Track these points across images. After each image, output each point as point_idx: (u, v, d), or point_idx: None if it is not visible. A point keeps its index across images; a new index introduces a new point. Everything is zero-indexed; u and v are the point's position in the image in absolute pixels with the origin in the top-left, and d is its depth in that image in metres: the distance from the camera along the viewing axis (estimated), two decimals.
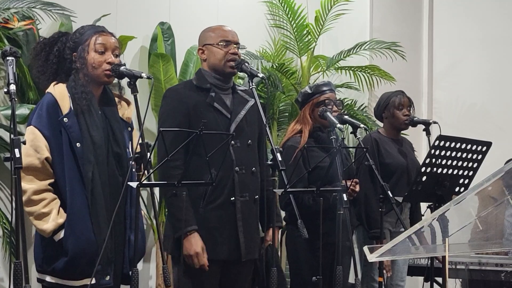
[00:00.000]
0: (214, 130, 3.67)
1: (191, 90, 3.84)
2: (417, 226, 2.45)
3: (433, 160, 4.12)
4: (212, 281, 3.77)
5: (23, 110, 4.51)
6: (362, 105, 6.53)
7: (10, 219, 4.70)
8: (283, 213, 4.39)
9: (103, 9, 5.31)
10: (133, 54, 5.63)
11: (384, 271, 4.59)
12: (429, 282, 5.17)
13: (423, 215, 4.95)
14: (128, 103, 3.55)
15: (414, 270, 5.36)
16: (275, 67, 6.08)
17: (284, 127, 6.28)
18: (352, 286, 5.73)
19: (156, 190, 4.97)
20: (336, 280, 3.88)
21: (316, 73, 6.45)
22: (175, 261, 3.78)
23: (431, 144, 4.70)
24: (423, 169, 4.15)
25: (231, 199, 3.77)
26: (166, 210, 3.94)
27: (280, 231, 4.65)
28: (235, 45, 3.88)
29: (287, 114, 6.38)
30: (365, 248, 2.20)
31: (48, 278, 3.25)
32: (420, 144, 6.37)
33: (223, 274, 3.82)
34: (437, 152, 4.11)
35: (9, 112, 4.50)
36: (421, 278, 5.67)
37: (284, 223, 4.44)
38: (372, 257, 2.12)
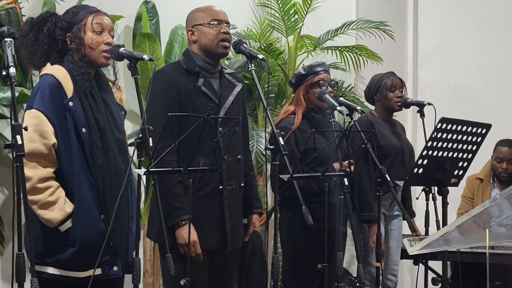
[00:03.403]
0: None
1: (181, 74, 3.73)
2: (463, 218, 2.37)
3: (435, 143, 4.06)
4: (202, 269, 3.69)
5: (9, 93, 4.32)
6: (349, 85, 6.44)
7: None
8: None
9: None
10: (117, 34, 5.46)
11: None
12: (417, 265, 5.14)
13: (417, 198, 4.88)
14: (118, 86, 3.42)
15: (404, 254, 5.31)
16: (262, 47, 5.94)
17: (270, 109, 6.16)
18: (346, 272, 5.70)
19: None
20: (337, 266, 3.80)
21: (302, 53, 6.33)
22: (164, 250, 3.67)
23: (424, 126, 4.66)
24: (424, 152, 4.08)
25: (219, 187, 3.70)
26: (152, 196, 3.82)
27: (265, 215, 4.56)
28: (226, 25, 3.77)
29: (273, 95, 6.26)
30: (405, 241, 2.11)
31: (50, 270, 3.11)
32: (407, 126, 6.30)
33: (212, 263, 3.74)
34: (439, 135, 4.05)
35: None
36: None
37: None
38: (412, 250, 2.04)
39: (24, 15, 4.80)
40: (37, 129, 3.06)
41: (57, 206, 3.06)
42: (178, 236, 3.59)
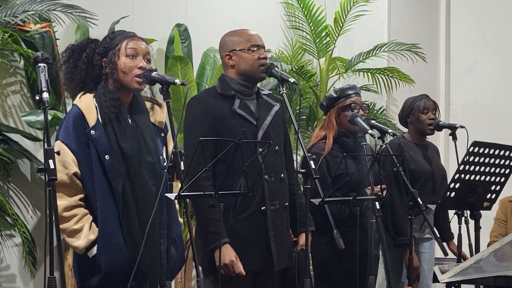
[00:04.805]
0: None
1: (216, 98, 3.73)
2: (497, 244, 2.34)
3: (467, 166, 4.02)
4: None
5: (42, 117, 4.36)
6: (381, 108, 6.42)
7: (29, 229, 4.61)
8: None
9: (120, 12, 5.21)
10: (153, 58, 5.51)
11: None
12: None
13: (450, 221, 4.84)
14: (161, 106, 3.43)
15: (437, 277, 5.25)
16: (294, 69, 5.95)
17: (301, 131, 6.16)
18: None
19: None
20: None
21: (334, 75, 6.33)
22: (207, 273, 3.69)
23: (457, 149, 4.62)
24: (456, 176, 4.04)
25: (262, 208, 3.68)
26: (195, 221, 3.83)
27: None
28: (263, 49, 3.78)
29: (304, 117, 6.26)
30: (436, 268, 2.09)
31: None
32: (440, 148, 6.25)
33: (255, 284, 3.73)
34: (471, 159, 4.01)
35: (30, 118, 4.40)
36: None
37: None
38: (443, 278, 2.01)
39: (58, 39, 4.88)
40: (60, 159, 3.09)
41: (82, 234, 3.11)
42: (216, 258, 3.57)
